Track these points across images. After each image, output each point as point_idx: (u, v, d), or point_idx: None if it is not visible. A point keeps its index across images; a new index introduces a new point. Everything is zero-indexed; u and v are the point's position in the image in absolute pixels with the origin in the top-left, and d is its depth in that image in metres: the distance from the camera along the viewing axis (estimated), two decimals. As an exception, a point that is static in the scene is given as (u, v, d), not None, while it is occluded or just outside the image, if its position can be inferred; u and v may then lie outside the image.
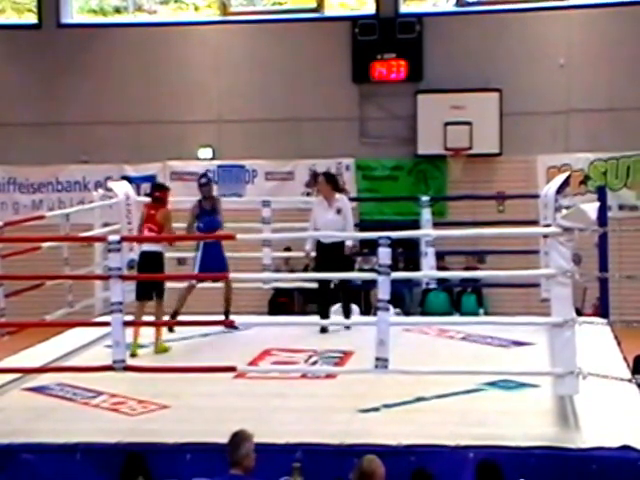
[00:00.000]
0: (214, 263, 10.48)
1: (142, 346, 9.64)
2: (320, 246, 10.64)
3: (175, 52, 18.46)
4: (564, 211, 7.91)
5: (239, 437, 5.93)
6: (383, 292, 7.37)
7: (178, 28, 18.66)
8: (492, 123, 17.33)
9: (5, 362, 9.31)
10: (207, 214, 10.74)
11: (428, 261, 11.18)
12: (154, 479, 6.81)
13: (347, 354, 9.44)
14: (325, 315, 10.66)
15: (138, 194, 14.25)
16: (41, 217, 11.19)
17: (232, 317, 10.32)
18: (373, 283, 7.68)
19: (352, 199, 16.90)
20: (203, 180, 11.17)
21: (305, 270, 17.47)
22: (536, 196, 11.15)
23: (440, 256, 13.06)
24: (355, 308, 12.59)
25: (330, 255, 10.42)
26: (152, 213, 10.09)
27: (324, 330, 10.44)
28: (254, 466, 5.86)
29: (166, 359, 9.35)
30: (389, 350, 7.43)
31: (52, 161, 18.45)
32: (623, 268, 14.50)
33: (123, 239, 8.25)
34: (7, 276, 9.21)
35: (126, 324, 7.65)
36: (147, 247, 9.83)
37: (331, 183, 10.92)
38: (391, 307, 7.91)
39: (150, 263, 9.77)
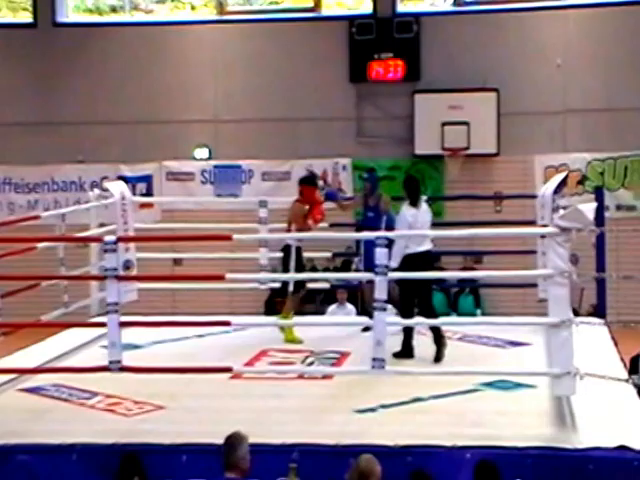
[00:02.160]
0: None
1: (138, 346, 9.62)
2: None
3: (171, 52, 18.44)
4: (561, 211, 7.88)
5: (233, 440, 5.82)
6: (380, 292, 7.35)
7: (174, 27, 18.65)
8: (489, 123, 17.32)
9: (0, 362, 9.28)
10: (369, 211, 10.62)
11: (425, 261, 11.13)
12: (150, 480, 6.80)
13: (344, 355, 9.42)
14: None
15: (134, 194, 14.23)
16: (36, 217, 11.13)
17: (228, 317, 10.23)
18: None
19: (349, 199, 17.01)
20: (364, 176, 10.99)
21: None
22: (533, 196, 11.12)
23: (437, 256, 13.05)
24: (352, 308, 12.55)
25: None
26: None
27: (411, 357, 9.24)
28: (250, 468, 5.80)
29: (163, 359, 9.31)
30: (386, 350, 7.42)
31: (48, 161, 18.42)
32: (620, 268, 14.51)
33: (119, 239, 8.21)
34: (2, 276, 9.15)
35: (122, 325, 7.63)
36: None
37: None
38: (389, 307, 7.89)
39: (283, 256, 10.14)
